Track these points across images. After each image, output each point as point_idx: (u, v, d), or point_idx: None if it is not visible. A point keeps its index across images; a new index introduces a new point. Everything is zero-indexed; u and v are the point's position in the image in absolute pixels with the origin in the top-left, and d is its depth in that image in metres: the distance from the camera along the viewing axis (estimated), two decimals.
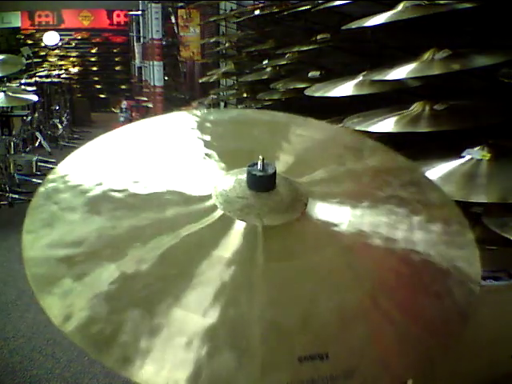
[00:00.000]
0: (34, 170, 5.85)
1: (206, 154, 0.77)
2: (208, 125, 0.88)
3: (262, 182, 0.66)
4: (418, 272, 0.65)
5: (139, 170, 0.74)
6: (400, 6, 1.50)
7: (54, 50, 12.39)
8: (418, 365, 0.59)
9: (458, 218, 0.74)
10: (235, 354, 0.52)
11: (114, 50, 12.96)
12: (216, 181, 0.69)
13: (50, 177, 0.72)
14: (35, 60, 8.12)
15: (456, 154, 1.30)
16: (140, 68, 10.19)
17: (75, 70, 11.88)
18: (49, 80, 8.31)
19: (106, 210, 0.66)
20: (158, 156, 0.78)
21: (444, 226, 0.72)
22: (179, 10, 7.01)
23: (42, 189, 0.70)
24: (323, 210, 0.69)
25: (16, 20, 12.25)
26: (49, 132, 7.94)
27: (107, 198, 0.68)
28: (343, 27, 1.76)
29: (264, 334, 0.54)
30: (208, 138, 0.82)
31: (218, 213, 0.65)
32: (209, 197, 0.67)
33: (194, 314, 0.55)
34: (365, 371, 0.54)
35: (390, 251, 0.67)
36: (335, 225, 0.68)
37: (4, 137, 5.21)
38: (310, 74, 2.38)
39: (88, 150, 0.79)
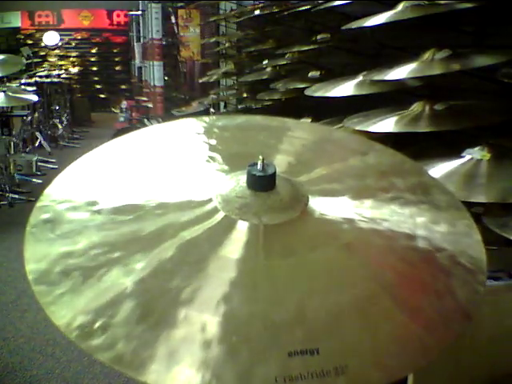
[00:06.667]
0: (34, 170, 5.86)
1: (210, 157, 0.78)
2: (215, 130, 0.89)
3: (262, 182, 0.66)
4: (418, 271, 0.66)
5: (141, 177, 0.75)
6: (400, 6, 1.50)
7: (54, 49, 12.41)
8: (414, 363, 0.59)
9: (464, 219, 0.74)
10: (225, 348, 0.53)
11: (114, 50, 12.98)
12: (218, 183, 0.70)
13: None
14: (35, 60, 8.14)
15: (456, 153, 1.30)
16: (140, 68, 10.21)
17: (75, 70, 11.89)
18: (49, 80, 8.31)
19: (108, 218, 0.66)
20: (163, 162, 0.79)
21: (449, 226, 0.72)
22: (179, 10, 7.02)
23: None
24: (323, 209, 0.69)
25: (16, 20, 12.26)
26: (49, 132, 7.94)
27: (109, 206, 0.68)
28: (343, 27, 1.76)
29: (254, 329, 0.55)
30: (214, 142, 0.83)
31: (221, 214, 0.65)
32: (210, 199, 0.67)
33: (201, 314, 0.56)
34: (357, 368, 0.54)
35: (391, 249, 0.67)
36: (335, 223, 0.68)
37: (4, 137, 5.22)
38: (309, 74, 2.38)
39: (90, 160, 0.80)
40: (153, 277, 0.59)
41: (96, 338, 0.54)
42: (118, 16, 12.70)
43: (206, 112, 4.40)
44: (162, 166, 0.77)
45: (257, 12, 3.13)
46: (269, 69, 2.93)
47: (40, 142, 7.22)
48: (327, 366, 0.53)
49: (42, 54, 11.99)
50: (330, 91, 1.75)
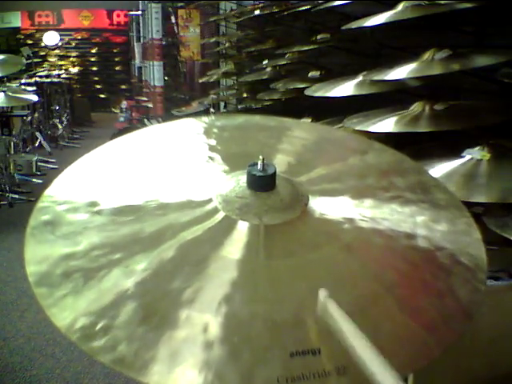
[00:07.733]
0: (34, 170, 5.86)
1: (210, 157, 0.77)
2: (214, 130, 0.89)
3: (262, 182, 0.66)
4: (419, 270, 0.66)
5: (142, 177, 0.74)
6: (400, 6, 1.50)
7: (54, 49, 12.42)
8: (415, 363, 0.59)
9: (464, 218, 0.74)
10: (226, 348, 0.53)
11: (114, 50, 12.99)
12: (218, 183, 0.70)
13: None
14: (35, 60, 8.13)
15: (456, 153, 1.30)
16: (140, 68, 10.21)
17: (75, 70, 11.89)
18: (49, 80, 8.31)
19: (108, 219, 0.66)
20: (163, 162, 0.78)
21: (449, 225, 0.72)
22: (179, 10, 7.03)
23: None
24: (324, 209, 0.69)
25: (16, 20, 12.26)
26: (49, 132, 7.94)
27: (109, 207, 0.68)
28: (343, 27, 1.76)
29: (256, 330, 0.55)
30: (213, 142, 0.83)
31: (221, 214, 0.65)
32: (211, 199, 0.67)
33: (203, 314, 0.56)
34: (358, 368, 0.54)
35: (391, 249, 0.67)
36: (336, 223, 0.68)
37: (4, 137, 5.22)
38: (309, 74, 2.38)
39: (90, 160, 0.79)
40: (154, 278, 0.59)
41: (98, 339, 0.54)
42: (118, 16, 12.69)
43: (205, 112, 4.40)
44: (162, 167, 0.77)
45: (257, 12, 3.13)
46: (269, 69, 2.93)
47: (40, 141, 7.22)
48: (329, 366, 0.53)
49: (42, 53, 11.99)
50: (330, 91, 1.76)
